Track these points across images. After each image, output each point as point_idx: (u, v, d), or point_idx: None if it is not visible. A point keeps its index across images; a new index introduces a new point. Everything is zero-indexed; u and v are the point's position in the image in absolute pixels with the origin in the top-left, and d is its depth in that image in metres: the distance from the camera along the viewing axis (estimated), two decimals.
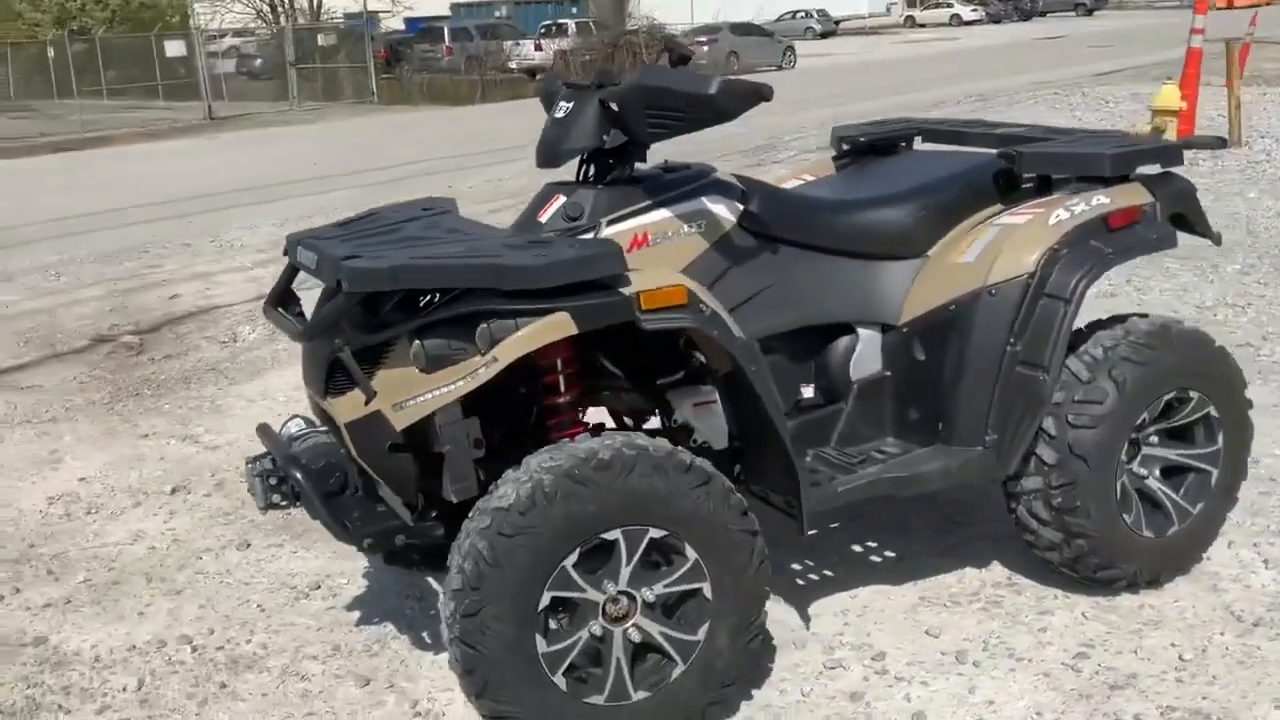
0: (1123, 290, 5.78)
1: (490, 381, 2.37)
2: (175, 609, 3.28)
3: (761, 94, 2.58)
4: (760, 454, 2.72)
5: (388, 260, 2.37)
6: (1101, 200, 2.94)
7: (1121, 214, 2.93)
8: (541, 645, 2.38)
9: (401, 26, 36.94)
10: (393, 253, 2.45)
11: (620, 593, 2.44)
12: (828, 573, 3.30)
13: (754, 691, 2.76)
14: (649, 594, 2.46)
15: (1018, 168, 3.03)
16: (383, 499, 2.71)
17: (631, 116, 2.61)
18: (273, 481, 2.64)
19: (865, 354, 3.03)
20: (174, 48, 23.36)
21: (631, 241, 2.69)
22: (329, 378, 2.57)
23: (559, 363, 2.64)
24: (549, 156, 2.75)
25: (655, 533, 2.43)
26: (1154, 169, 3.11)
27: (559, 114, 2.75)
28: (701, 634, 2.51)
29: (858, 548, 3.44)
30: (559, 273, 2.33)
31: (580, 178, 2.81)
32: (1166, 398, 2.97)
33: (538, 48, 29.76)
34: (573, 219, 2.72)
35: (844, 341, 3.02)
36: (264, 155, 14.47)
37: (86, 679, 2.95)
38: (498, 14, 39.47)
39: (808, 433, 2.99)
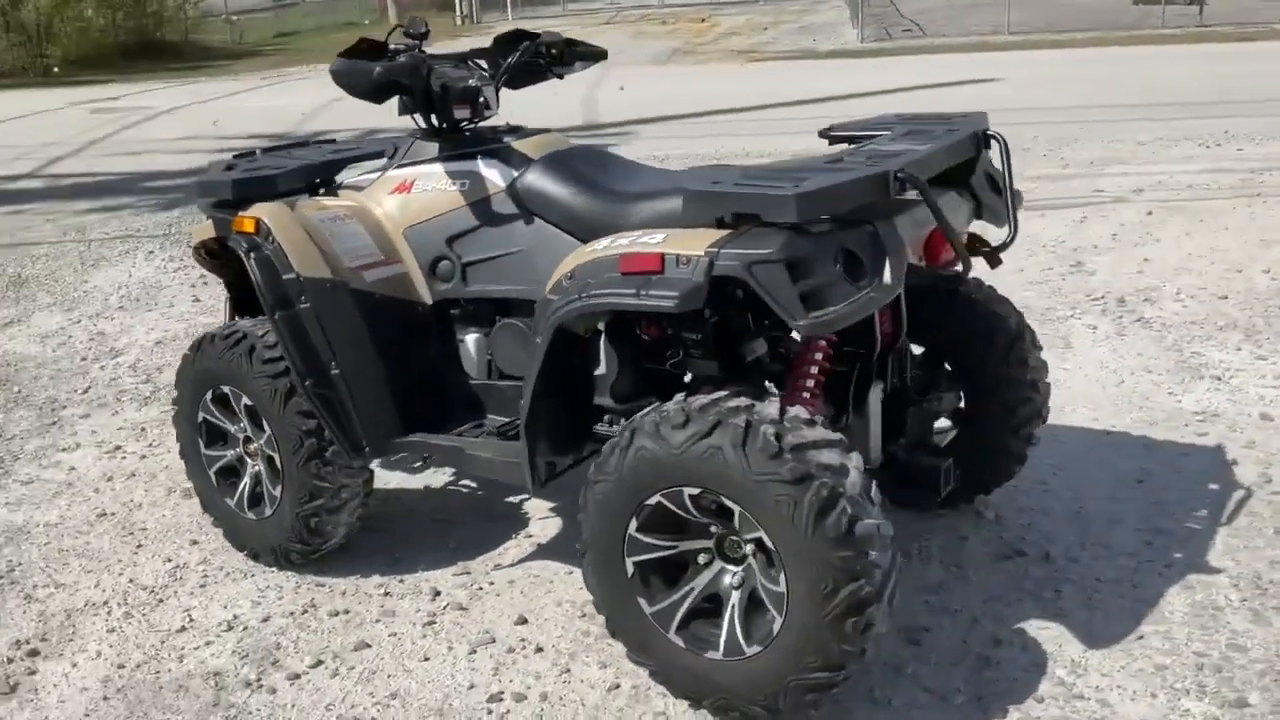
0: None
1: None
2: None
3: (374, 79, 2.95)
4: None
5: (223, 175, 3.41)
6: (650, 240, 2.51)
7: (639, 259, 2.47)
8: (202, 448, 3.39)
9: None
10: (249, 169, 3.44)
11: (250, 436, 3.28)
12: None
13: (370, 595, 3.21)
14: (254, 445, 3.27)
15: None
16: None
17: None
18: None
19: None
20: None
21: (398, 185, 3.21)
22: None
23: None
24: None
25: (247, 401, 3.19)
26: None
27: None
28: (278, 492, 3.20)
29: None
30: (205, 191, 3.21)
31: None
32: (691, 492, 2.36)
33: None
34: (388, 160, 3.31)
35: None
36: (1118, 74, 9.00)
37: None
38: None
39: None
